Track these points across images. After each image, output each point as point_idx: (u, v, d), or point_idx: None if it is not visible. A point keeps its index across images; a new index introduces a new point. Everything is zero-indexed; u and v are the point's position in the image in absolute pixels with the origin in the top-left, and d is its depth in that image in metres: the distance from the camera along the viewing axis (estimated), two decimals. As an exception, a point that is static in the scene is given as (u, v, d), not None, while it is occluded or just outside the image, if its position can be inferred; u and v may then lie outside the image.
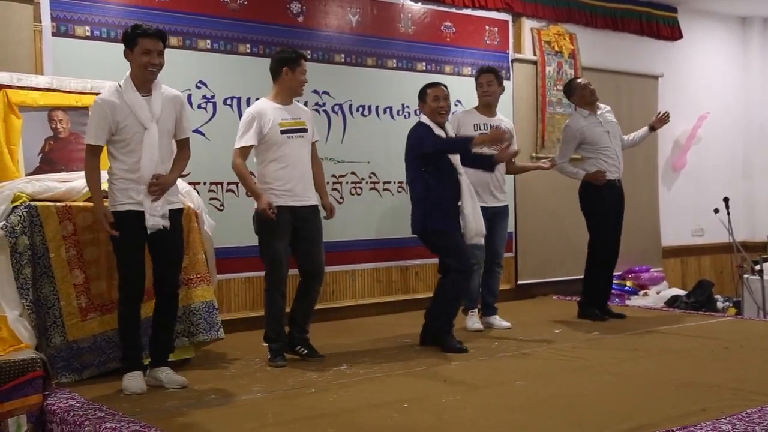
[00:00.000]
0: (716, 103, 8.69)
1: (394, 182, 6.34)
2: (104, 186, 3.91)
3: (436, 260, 6.48)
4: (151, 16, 5.21)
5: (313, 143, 4.64)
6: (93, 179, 3.82)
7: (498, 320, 5.49)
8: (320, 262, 4.56)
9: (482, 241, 4.97)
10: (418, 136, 4.87)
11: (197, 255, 4.43)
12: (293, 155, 4.45)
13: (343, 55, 6.09)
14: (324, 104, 5.97)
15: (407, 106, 6.41)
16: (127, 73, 3.89)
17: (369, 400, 3.64)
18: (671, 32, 8.27)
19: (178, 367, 4.13)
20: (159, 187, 3.81)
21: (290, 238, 4.47)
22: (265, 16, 5.72)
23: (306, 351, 4.54)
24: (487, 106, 5.47)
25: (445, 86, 4.98)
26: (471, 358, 4.52)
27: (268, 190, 4.40)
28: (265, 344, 4.51)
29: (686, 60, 8.53)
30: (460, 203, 4.82)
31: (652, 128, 5.96)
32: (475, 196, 4.90)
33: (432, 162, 4.80)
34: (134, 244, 3.84)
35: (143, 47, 3.80)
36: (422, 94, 4.96)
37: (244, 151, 4.41)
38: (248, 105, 5.57)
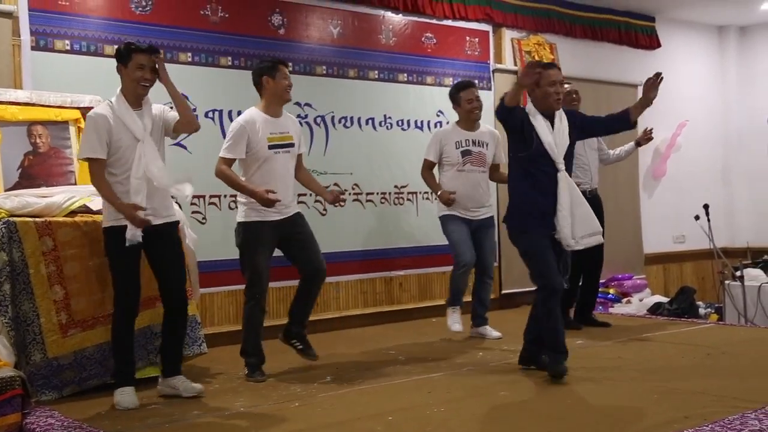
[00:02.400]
0: (695, 111, 8.78)
1: (377, 193, 6.34)
2: (83, 201, 3.89)
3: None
4: (132, 29, 5.20)
5: (299, 155, 4.63)
6: (105, 189, 3.78)
7: (489, 330, 5.50)
8: (319, 261, 4.51)
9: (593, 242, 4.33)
10: None
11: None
12: (278, 170, 4.43)
13: (324, 67, 6.10)
14: (306, 116, 5.97)
15: (389, 117, 6.43)
16: (118, 90, 3.90)
17: (353, 413, 3.62)
18: (649, 41, 8.36)
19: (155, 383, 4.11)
20: None
21: (273, 251, 4.47)
22: (246, 28, 5.72)
23: (301, 346, 4.53)
24: (475, 120, 5.47)
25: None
26: (455, 369, 4.51)
27: (249, 203, 4.38)
28: (243, 358, 4.48)
29: (664, 68, 8.46)
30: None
31: (638, 144, 6.01)
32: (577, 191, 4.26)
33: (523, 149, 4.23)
34: (129, 259, 3.82)
35: (138, 62, 3.84)
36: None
37: (229, 162, 4.40)
38: (230, 118, 5.59)
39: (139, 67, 3.84)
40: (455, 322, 5.36)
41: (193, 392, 3.95)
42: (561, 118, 4.28)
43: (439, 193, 5.38)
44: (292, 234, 4.48)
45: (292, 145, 4.51)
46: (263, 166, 4.39)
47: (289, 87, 4.50)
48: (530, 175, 4.20)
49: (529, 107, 4.27)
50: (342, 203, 4.89)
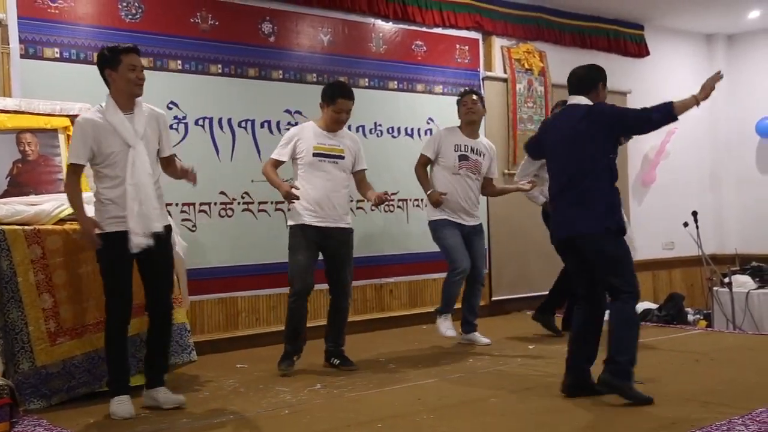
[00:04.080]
0: (683, 119, 8.68)
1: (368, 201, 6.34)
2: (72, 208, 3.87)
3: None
4: (122, 37, 5.18)
5: (361, 170, 4.93)
6: (73, 196, 3.78)
7: (478, 337, 5.52)
8: (345, 280, 4.84)
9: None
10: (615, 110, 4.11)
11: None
12: (323, 178, 4.71)
13: (315, 75, 6.11)
14: (296, 123, 5.95)
15: (379, 125, 6.45)
16: (108, 95, 3.87)
17: (343, 421, 3.62)
18: (638, 49, 8.41)
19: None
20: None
21: (317, 253, 4.75)
22: (236, 36, 5.72)
23: (339, 361, 4.82)
24: (471, 123, 5.52)
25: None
26: (445, 376, 4.52)
27: (293, 208, 4.71)
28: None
29: (653, 76, 8.67)
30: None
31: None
32: None
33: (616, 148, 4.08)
34: (122, 266, 3.80)
35: (129, 63, 3.81)
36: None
37: (275, 163, 4.79)
38: (220, 125, 5.62)
39: (130, 68, 3.81)
40: (448, 328, 5.37)
41: (173, 404, 3.91)
42: None
43: (429, 192, 5.40)
44: (328, 246, 4.76)
45: (341, 157, 4.80)
46: (308, 171, 4.73)
47: (340, 121, 4.82)
48: (614, 179, 4.03)
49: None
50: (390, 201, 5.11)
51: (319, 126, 4.83)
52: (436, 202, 5.35)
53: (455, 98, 5.73)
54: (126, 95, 3.83)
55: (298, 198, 4.59)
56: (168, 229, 3.98)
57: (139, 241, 3.73)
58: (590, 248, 3.90)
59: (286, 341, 4.75)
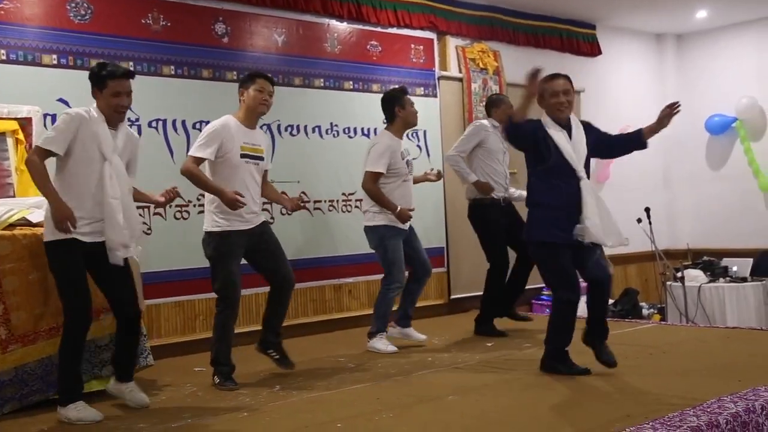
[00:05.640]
0: (636, 116, 8.89)
1: (325, 201, 6.34)
2: (22, 214, 3.79)
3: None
4: (71, 38, 5.11)
5: (267, 170, 4.69)
6: (43, 177, 3.66)
7: (415, 333, 5.45)
8: (288, 270, 4.59)
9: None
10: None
11: (123, 281, 4.32)
12: (246, 180, 4.44)
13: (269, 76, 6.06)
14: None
15: (336, 125, 6.44)
16: (95, 106, 3.84)
17: (302, 422, 3.61)
18: (591, 48, 8.55)
19: (104, 397, 4.03)
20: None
21: (242, 258, 4.50)
22: (188, 37, 5.66)
23: (278, 356, 4.59)
24: (413, 125, 5.52)
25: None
26: (404, 375, 4.53)
27: (217, 212, 4.39)
28: (213, 367, 4.43)
29: (606, 75, 8.81)
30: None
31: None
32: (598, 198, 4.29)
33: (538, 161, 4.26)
34: (79, 272, 3.77)
35: (113, 90, 3.79)
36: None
37: (198, 161, 4.38)
38: (174, 127, 5.55)
39: (114, 95, 3.79)
40: (388, 344, 5.25)
41: (138, 403, 3.94)
42: (577, 126, 4.32)
43: (398, 210, 5.17)
44: (260, 243, 4.52)
45: (261, 158, 4.56)
46: (232, 174, 4.40)
47: (264, 101, 4.50)
48: (554, 187, 4.20)
49: (545, 119, 4.28)
50: (305, 207, 4.83)
51: (239, 120, 4.49)
52: (407, 218, 5.23)
53: (410, 98, 5.47)
54: (107, 117, 3.82)
55: (244, 205, 4.32)
56: None
57: (118, 255, 3.75)
58: None
59: (224, 359, 4.39)
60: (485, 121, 5.92)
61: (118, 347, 4.02)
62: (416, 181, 5.71)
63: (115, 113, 3.81)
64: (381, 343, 5.26)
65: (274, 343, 4.61)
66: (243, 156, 4.44)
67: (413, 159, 5.80)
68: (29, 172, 3.76)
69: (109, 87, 3.79)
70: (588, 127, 4.45)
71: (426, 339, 5.44)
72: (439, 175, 5.82)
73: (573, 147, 4.24)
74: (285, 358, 4.61)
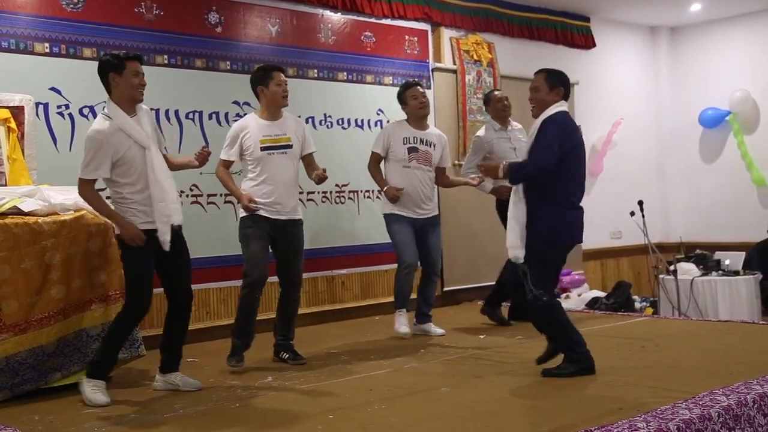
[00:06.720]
0: (630, 109, 8.99)
1: (318, 192, 6.32)
2: (14, 203, 3.77)
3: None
4: (64, 27, 5.07)
5: (309, 154, 4.81)
6: (103, 205, 3.91)
7: (433, 327, 5.54)
8: (296, 273, 4.79)
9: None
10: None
11: (116, 271, 4.31)
12: (273, 171, 4.62)
13: (280, 66, 6.03)
14: (245, 115, 5.89)
15: (329, 116, 6.42)
16: (108, 100, 3.92)
17: (295, 413, 3.61)
18: (585, 41, 8.54)
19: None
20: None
21: (268, 244, 4.67)
22: (182, 26, 5.63)
23: (288, 356, 4.72)
24: (423, 118, 5.52)
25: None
26: (397, 367, 4.54)
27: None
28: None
29: (600, 68, 8.81)
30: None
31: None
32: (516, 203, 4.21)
33: None
34: (148, 261, 3.93)
35: (133, 69, 3.90)
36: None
37: (225, 164, 4.72)
38: (167, 117, 5.53)
39: (134, 74, 3.90)
40: (402, 324, 5.38)
41: (192, 387, 4.09)
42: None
43: (385, 189, 5.39)
44: (281, 238, 4.68)
45: (289, 146, 4.68)
46: (257, 167, 4.64)
47: (284, 93, 4.69)
48: None
49: None
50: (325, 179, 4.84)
51: (261, 117, 4.73)
52: (393, 198, 5.32)
53: (415, 91, 5.52)
54: (129, 100, 3.91)
55: (258, 209, 4.56)
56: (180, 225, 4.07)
57: (166, 238, 3.89)
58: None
59: (236, 335, 4.65)
60: (482, 132, 5.92)
61: (170, 333, 4.13)
62: (456, 184, 5.88)
63: (137, 92, 3.92)
64: (397, 321, 5.41)
65: (284, 346, 4.79)
66: (264, 149, 4.61)
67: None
68: (90, 205, 3.98)
69: (128, 67, 3.89)
70: None
71: (444, 333, 5.50)
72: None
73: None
74: (296, 355, 4.75)
